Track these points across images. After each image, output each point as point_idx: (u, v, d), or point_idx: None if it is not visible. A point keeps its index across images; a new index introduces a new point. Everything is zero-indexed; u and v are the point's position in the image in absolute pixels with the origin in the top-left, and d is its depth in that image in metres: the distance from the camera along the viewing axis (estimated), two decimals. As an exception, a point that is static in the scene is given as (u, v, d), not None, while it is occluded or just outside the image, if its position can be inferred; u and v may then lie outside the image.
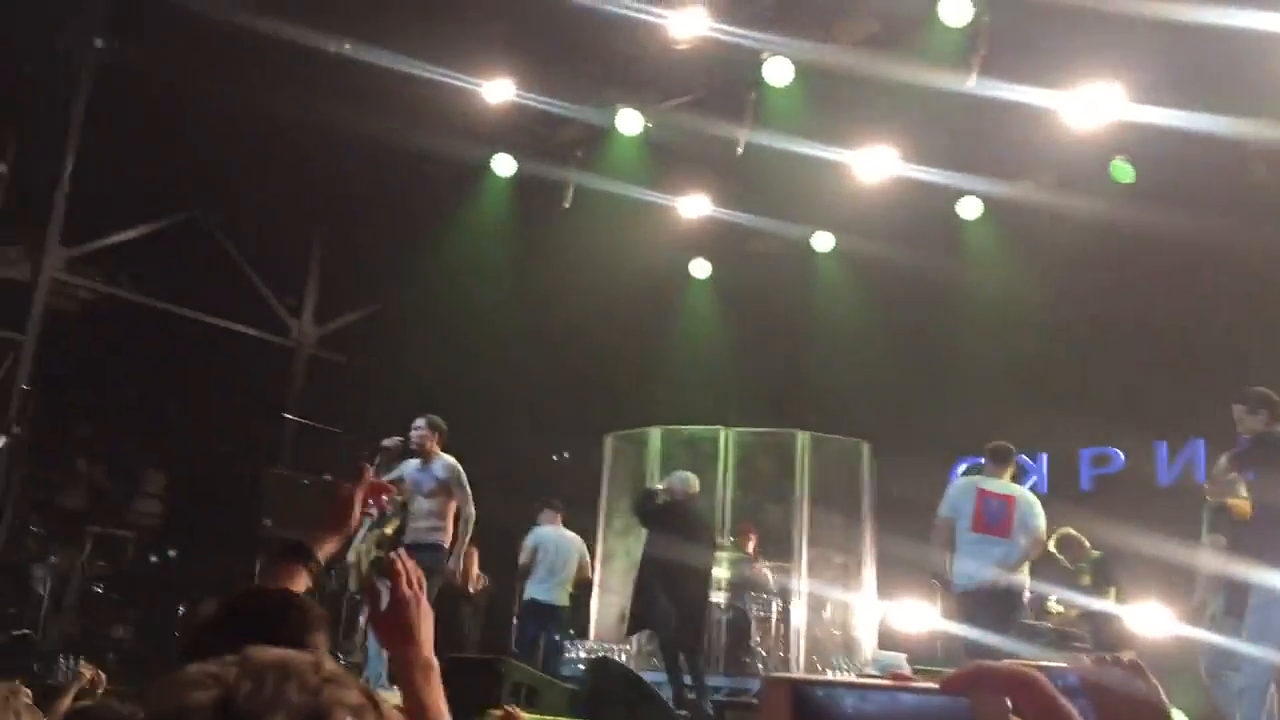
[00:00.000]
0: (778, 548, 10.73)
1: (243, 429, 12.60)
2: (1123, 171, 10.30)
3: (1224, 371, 8.81)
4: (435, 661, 1.88)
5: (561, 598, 10.06)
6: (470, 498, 8.21)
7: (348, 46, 9.89)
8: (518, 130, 11.78)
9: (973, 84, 9.26)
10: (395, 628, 1.89)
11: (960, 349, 11.54)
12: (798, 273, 12.81)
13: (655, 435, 11.31)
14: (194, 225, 12.85)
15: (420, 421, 8.29)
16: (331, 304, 13.95)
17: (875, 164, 11.09)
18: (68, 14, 10.09)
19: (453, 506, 8.15)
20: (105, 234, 12.13)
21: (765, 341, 12.82)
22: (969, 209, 11.49)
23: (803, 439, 11.00)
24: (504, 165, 11.99)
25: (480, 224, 12.45)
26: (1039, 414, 10.79)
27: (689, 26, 9.83)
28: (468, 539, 8.28)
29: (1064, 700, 0.72)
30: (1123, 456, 11.54)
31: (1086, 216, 10.45)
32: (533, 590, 10.04)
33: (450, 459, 8.25)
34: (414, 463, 8.26)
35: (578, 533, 10.61)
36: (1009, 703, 0.71)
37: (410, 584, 1.93)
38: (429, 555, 7.79)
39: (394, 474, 8.16)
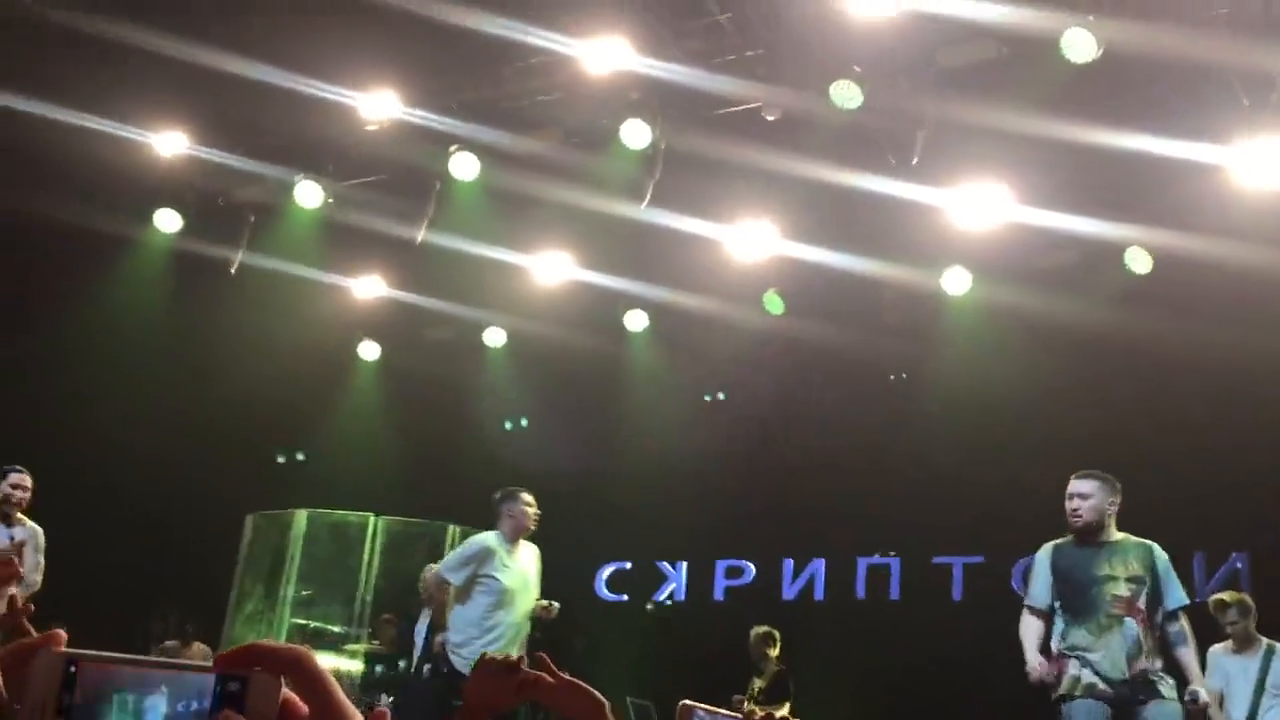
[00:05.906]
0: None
1: None
2: (774, 303, 11.05)
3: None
4: None
5: None
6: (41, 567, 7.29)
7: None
8: (188, 187, 11.10)
9: (646, 203, 9.76)
10: None
11: (625, 459, 12.01)
12: (468, 364, 12.81)
13: (301, 517, 10.89)
14: None
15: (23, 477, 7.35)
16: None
17: (551, 267, 11.33)
18: None
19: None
20: None
21: (428, 430, 12.68)
22: (635, 321, 11.87)
23: (453, 532, 10.89)
24: (168, 221, 10.73)
25: (135, 288, 11.37)
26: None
27: (380, 109, 9.78)
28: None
29: (331, 678, 0.80)
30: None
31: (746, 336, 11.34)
32: None
33: (32, 524, 7.36)
34: None
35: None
36: (283, 680, 0.78)
37: None
38: None
39: None
